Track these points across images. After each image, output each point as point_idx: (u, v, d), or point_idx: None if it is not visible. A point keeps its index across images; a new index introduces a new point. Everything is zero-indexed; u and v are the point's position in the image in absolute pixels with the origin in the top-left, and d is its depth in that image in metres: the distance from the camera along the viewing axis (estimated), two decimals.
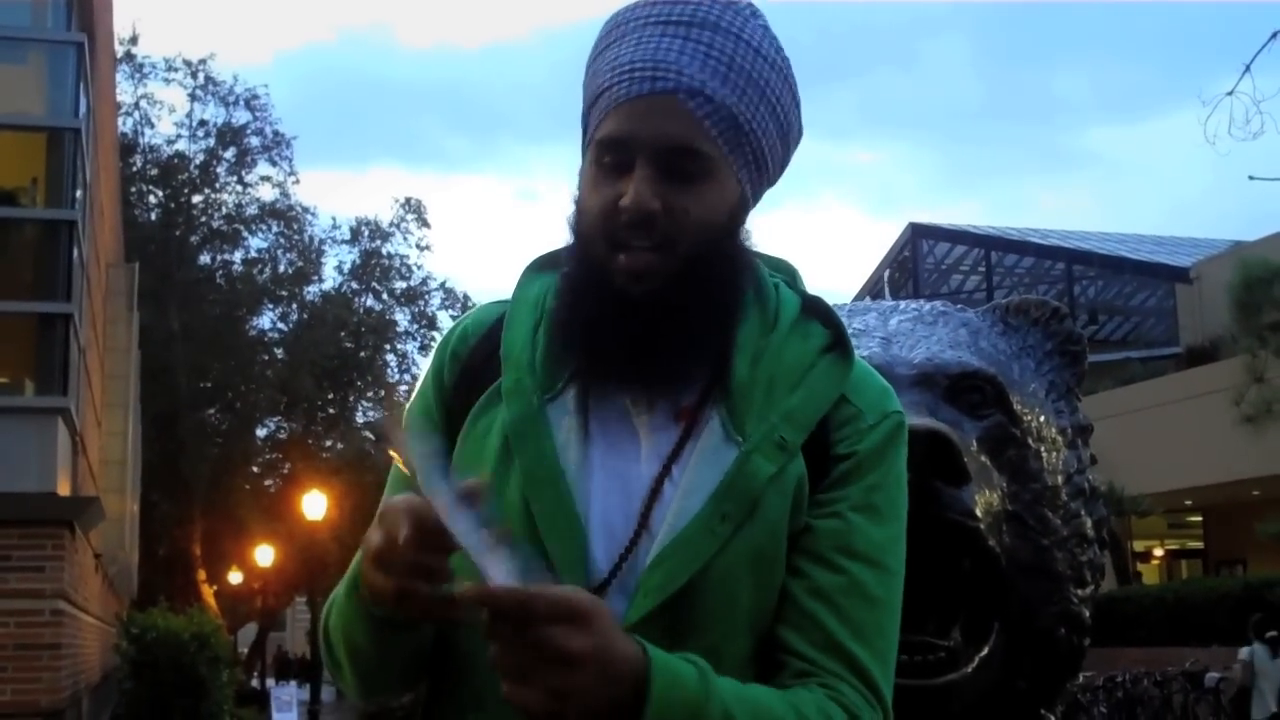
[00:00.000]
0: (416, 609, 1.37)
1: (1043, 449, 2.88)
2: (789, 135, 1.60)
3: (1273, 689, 14.40)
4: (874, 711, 1.46)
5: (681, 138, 1.49)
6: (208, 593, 29.19)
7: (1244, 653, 15.47)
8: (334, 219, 49.36)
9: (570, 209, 1.58)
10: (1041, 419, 2.92)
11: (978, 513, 2.60)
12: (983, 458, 2.74)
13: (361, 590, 1.44)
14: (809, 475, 1.51)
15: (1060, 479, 2.89)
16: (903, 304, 3.13)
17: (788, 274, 1.67)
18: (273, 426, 34.17)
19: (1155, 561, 32.14)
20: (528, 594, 1.24)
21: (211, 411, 31.80)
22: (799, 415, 1.52)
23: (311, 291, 33.50)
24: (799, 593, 1.49)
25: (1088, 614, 2.90)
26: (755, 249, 1.61)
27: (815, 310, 1.62)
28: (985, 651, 2.67)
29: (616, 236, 1.49)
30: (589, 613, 1.27)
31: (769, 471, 1.48)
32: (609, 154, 1.51)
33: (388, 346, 33.84)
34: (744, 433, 1.50)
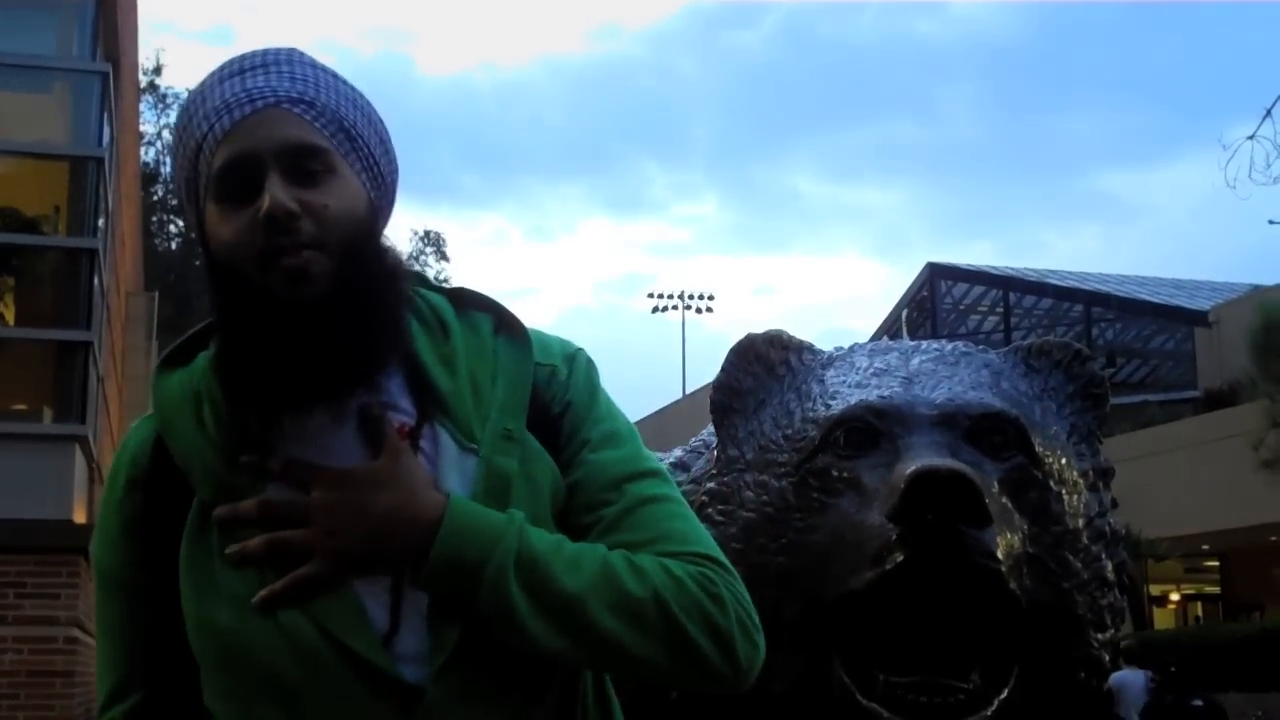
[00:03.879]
0: None
1: (1064, 491, 2.86)
2: (390, 151, 1.58)
3: None
4: (719, 571, 1.49)
5: (300, 137, 1.46)
6: None
7: None
8: None
9: (208, 279, 1.50)
10: (1063, 461, 2.90)
11: (999, 555, 2.58)
12: (1004, 500, 2.72)
13: None
14: (547, 445, 1.56)
15: (1081, 522, 2.87)
16: (924, 344, 3.12)
17: (418, 279, 1.65)
18: None
19: (1171, 605, 31.90)
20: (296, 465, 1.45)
21: None
22: (510, 403, 1.55)
23: None
24: (599, 536, 1.51)
25: (1107, 658, 2.88)
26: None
27: (467, 301, 1.65)
28: (1005, 694, 2.65)
29: (267, 249, 1.42)
30: (321, 477, 1.42)
31: (513, 467, 1.51)
32: (231, 181, 1.45)
33: None
34: (475, 439, 1.52)
